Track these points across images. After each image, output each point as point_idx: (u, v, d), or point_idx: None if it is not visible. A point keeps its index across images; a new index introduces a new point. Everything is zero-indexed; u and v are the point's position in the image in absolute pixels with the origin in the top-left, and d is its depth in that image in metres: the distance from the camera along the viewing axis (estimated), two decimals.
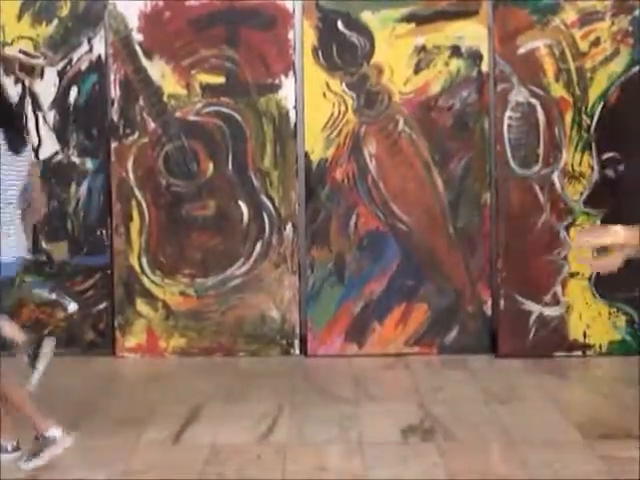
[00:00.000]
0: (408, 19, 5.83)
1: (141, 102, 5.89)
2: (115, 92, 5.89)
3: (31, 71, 5.90)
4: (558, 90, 5.77)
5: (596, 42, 5.76)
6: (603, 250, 3.65)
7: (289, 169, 5.89)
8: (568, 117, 5.76)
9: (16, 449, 4.17)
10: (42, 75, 5.91)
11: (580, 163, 5.76)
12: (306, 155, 5.86)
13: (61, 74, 5.91)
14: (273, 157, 5.89)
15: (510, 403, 4.91)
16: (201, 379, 5.45)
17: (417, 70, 5.84)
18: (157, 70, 5.88)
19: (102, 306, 5.94)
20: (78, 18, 5.88)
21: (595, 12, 5.75)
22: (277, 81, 5.88)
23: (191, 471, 4.00)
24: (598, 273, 5.71)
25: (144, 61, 5.87)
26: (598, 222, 5.76)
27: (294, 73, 5.88)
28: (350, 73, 5.85)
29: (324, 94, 5.85)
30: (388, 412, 4.78)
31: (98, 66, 5.90)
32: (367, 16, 5.82)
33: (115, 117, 5.90)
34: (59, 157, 5.93)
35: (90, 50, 5.89)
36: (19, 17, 5.89)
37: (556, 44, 5.76)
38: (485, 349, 5.84)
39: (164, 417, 4.71)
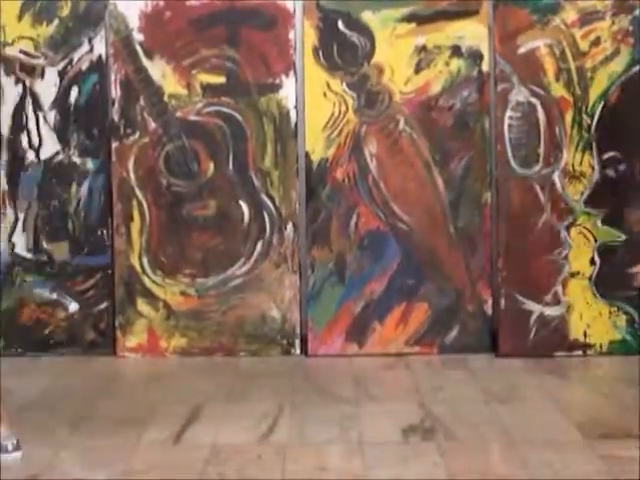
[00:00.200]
0: (409, 19, 5.83)
1: (142, 102, 5.89)
2: (116, 92, 5.89)
3: (32, 71, 5.90)
4: (558, 90, 5.77)
5: (596, 42, 5.76)
6: None
7: (290, 169, 5.90)
8: (568, 117, 5.76)
9: (17, 448, 4.17)
10: (43, 75, 5.91)
11: (581, 163, 5.77)
12: (307, 155, 5.86)
13: (62, 74, 5.91)
14: (274, 157, 5.90)
15: (510, 403, 4.92)
16: (202, 379, 5.45)
17: (417, 70, 5.84)
18: (158, 70, 5.88)
19: (103, 306, 5.94)
20: (79, 18, 5.89)
21: (595, 12, 5.75)
22: (278, 81, 5.88)
23: (191, 471, 4.00)
24: (599, 273, 5.74)
25: (145, 61, 5.87)
26: (599, 222, 5.76)
27: (295, 73, 5.88)
28: (351, 73, 5.86)
29: (325, 94, 5.85)
30: (389, 412, 4.78)
31: (99, 66, 5.90)
32: (368, 16, 5.83)
33: (116, 117, 5.90)
34: (60, 157, 5.93)
35: (91, 50, 5.90)
36: (19, 17, 5.89)
37: (556, 44, 5.76)
38: (485, 349, 5.84)
39: (165, 417, 4.71)
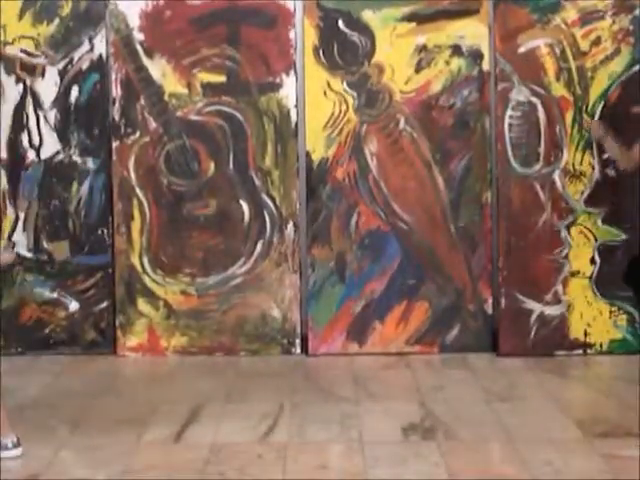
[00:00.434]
0: (409, 18, 5.83)
1: (142, 101, 5.89)
2: (116, 91, 5.89)
3: (32, 70, 5.90)
4: (559, 89, 5.77)
5: (597, 41, 5.76)
6: None
7: (290, 168, 5.90)
8: (569, 116, 5.77)
9: (17, 446, 4.17)
10: (43, 74, 5.91)
11: (581, 162, 5.77)
12: (307, 154, 5.86)
13: (62, 73, 5.91)
14: (274, 156, 5.90)
15: (511, 402, 4.92)
16: (202, 378, 5.45)
17: (418, 69, 5.84)
18: (158, 69, 5.88)
19: (103, 305, 5.94)
20: (79, 17, 5.88)
21: (596, 11, 5.75)
22: (278, 80, 5.88)
23: (192, 470, 4.01)
24: (599, 272, 5.74)
25: (145, 60, 5.87)
26: (599, 222, 5.76)
27: (295, 72, 5.88)
28: (351, 72, 5.86)
29: (325, 93, 5.85)
30: (389, 411, 4.79)
31: (99, 65, 5.90)
32: (368, 15, 5.83)
33: (116, 116, 5.90)
34: (60, 156, 5.93)
35: (91, 49, 5.90)
36: (20, 16, 5.89)
37: (557, 43, 5.76)
38: (486, 348, 5.84)
39: (165, 416, 4.72)
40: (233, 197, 5.90)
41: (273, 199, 5.89)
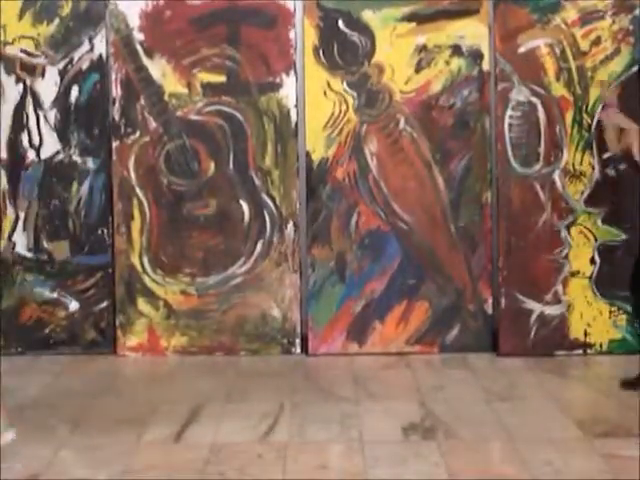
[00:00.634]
0: (409, 18, 5.83)
1: (142, 101, 5.89)
2: (116, 91, 5.89)
3: (32, 70, 5.90)
4: (559, 89, 5.77)
5: (597, 41, 5.76)
6: None
7: (290, 168, 5.90)
8: (569, 116, 5.76)
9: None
10: (43, 74, 5.91)
11: (581, 162, 5.77)
12: (307, 154, 5.86)
13: (62, 73, 5.91)
14: (274, 156, 5.90)
15: (511, 401, 4.92)
16: (202, 378, 5.45)
17: (418, 69, 5.84)
18: (158, 69, 5.88)
19: (103, 305, 5.94)
20: (79, 17, 5.88)
21: (596, 11, 5.75)
22: (278, 80, 5.88)
23: (192, 470, 4.01)
24: (599, 272, 5.74)
25: (145, 60, 5.87)
26: (599, 222, 5.76)
27: (295, 72, 5.88)
28: (351, 72, 5.86)
29: (325, 93, 5.85)
30: (389, 411, 4.79)
31: (99, 65, 5.90)
32: (368, 15, 5.83)
33: (116, 116, 5.90)
34: (60, 156, 5.93)
35: (91, 49, 5.89)
36: (20, 16, 5.89)
37: (557, 43, 5.76)
38: (486, 348, 5.84)
39: (165, 416, 4.72)
40: (233, 197, 5.90)
41: (273, 199, 5.89)
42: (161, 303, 5.92)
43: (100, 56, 5.90)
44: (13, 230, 5.92)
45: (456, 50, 5.82)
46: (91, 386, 5.31)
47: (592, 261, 5.77)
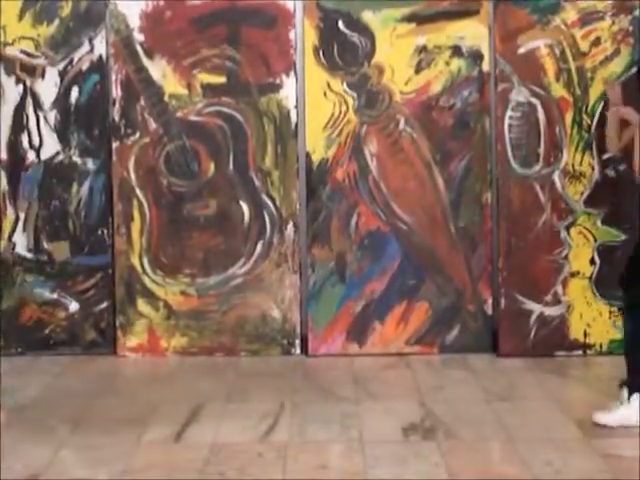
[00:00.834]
0: (409, 19, 5.83)
1: (142, 102, 5.90)
2: (116, 92, 5.89)
3: (32, 71, 5.90)
4: (558, 90, 5.77)
5: (596, 42, 5.76)
6: None
7: (290, 169, 5.90)
8: (568, 117, 5.77)
9: None
10: (43, 75, 5.91)
11: (581, 163, 5.77)
12: (307, 155, 5.86)
13: (62, 74, 5.92)
14: (274, 157, 5.90)
15: (511, 402, 4.93)
16: (202, 378, 5.45)
17: (418, 70, 5.85)
18: (158, 70, 5.88)
19: (103, 306, 5.94)
20: (79, 18, 5.89)
21: (596, 12, 5.75)
22: (278, 81, 5.88)
23: (192, 470, 4.01)
24: (599, 273, 5.74)
25: (145, 61, 5.88)
26: (599, 222, 5.77)
27: (295, 73, 5.88)
28: (351, 73, 5.86)
29: (325, 94, 5.85)
30: (389, 411, 4.79)
31: (99, 66, 5.90)
32: (368, 16, 5.83)
33: (116, 117, 5.90)
34: (60, 157, 5.93)
35: (91, 50, 5.90)
36: (20, 17, 5.89)
37: (556, 44, 5.77)
38: (486, 348, 5.84)
39: (165, 416, 4.72)
40: (233, 198, 5.91)
41: (273, 200, 5.90)
42: (161, 304, 5.92)
43: (100, 57, 5.90)
44: (13, 231, 5.93)
45: (456, 51, 5.82)
46: (91, 386, 5.32)
47: (592, 262, 5.78)
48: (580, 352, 5.77)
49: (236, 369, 5.64)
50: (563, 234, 5.78)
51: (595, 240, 5.77)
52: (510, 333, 5.80)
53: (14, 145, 5.92)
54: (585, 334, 5.78)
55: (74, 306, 5.92)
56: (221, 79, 5.90)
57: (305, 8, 5.86)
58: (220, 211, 5.92)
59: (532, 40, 5.78)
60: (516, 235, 5.79)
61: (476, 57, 5.82)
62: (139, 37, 5.88)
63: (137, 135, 5.89)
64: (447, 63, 5.83)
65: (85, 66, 5.91)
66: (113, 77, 5.89)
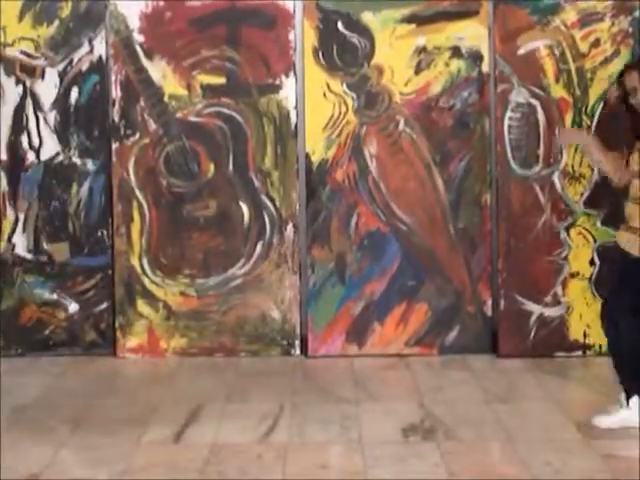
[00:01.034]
0: (409, 20, 5.83)
1: (142, 103, 5.90)
2: (116, 93, 5.89)
3: (32, 72, 5.90)
4: (558, 91, 5.77)
5: (596, 43, 5.76)
6: None
7: (290, 169, 5.90)
8: (568, 118, 5.77)
9: None
10: (43, 76, 5.91)
11: (580, 164, 5.77)
12: (307, 155, 5.86)
13: (62, 75, 5.91)
14: (274, 158, 5.90)
15: (511, 403, 4.93)
16: (202, 379, 5.45)
17: (418, 71, 5.85)
18: (158, 71, 5.88)
19: (103, 306, 5.94)
20: (79, 19, 5.89)
21: (595, 13, 5.76)
22: (278, 82, 5.88)
23: (192, 470, 4.02)
24: (598, 273, 5.74)
25: (145, 62, 5.88)
26: (598, 223, 5.77)
27: (295, 74, 5.88)
28: (351, 74, 5.86)
29: (324, 94, 5.85)
30: (389, 412, 4.79)
31: (99, 67, 5.90)
32: (368, 17, 5.83)
33: (116, 118, 5.90)
34: (60, 158, 5.93)
35: (91, 51, 5.90)
36: (20, 18, 5.89)
37: (556, 45, 5.77)
38: (486, 349, 5.84)
39: (165, 417, 4.72)
40: (233, 198, 5.91)
41: (273, 200, 5.90)
42: (161, 304, 5.92)
43: (100, 57, 5.90)
44: (13, 231, 5.93)
45: (456, 51, 5.82)
46: (91, 387, 5.32)
47: (591, 262, 5.78)
48: (580, 353, 5.78)
49: (236, 370, 5.64)
50: (563, 235, 5.78)
51: (595, 241, 5.77)
52: (510, 334, 5.80)
53: (14, 146, 5.92)
54: (585, 335, 5.78)
55: (74, 307, 5.92)
56: (221, 80, 5.90)
57: (305, 9, 5.86)
58: (220, 212, 5.92)
59: (532, 41, 5.78)
60: (516, 236, 5.79)
61: (476, 58, 5.82)
62: (139, 38, 5.88)
63: (137, 136, 5.90)
64: (447, 64, 5.83)
65: (85, 67, 5.91)
66: (113, 78, 5.89)
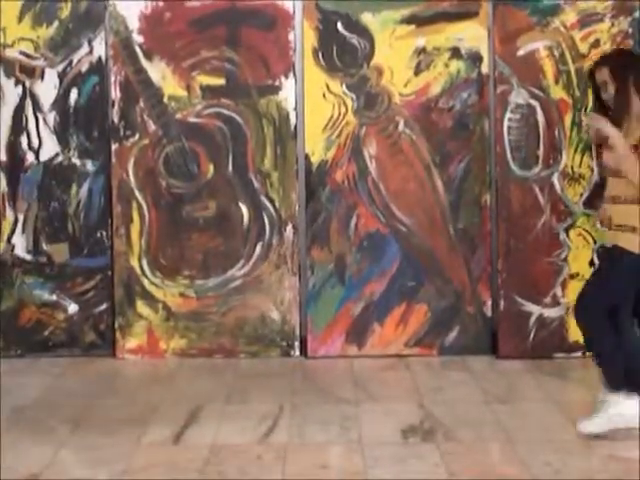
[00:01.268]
0: (408, 21, 5.84)
1: (141, 104, 5.90)
2: (115, 94, 5.89)
3: (31, 73, 5.90)
4: (558, 92, 5.77)
5: (596, 44, 5.76)
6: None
7: (289, 170, 5.90)
8: (568, 119, 5.77)
9: None
10: (42, 77, 5.91)
11: (580, 164, 5.77)
12: (306, 156, 5.86)
13: (61, 76, 5.91)
14: (273, 158, 5.90)
15: (510, 403, 4.93)
16: (201, 380, 5.45)
17: (417, 71, 5.85)
18: (157, 71, 5.88)
19: (102, 307, 5.94)
20: (79, 19, 5.89)
21: (595, 14, 5.76)
22: (277, 82, 5.88)
23: (192, 471, 4.01)
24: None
25: (144, 62, 5.88)
26: (598, 224, 5.75)
27: (294, 74, 5.88)
28: (350, 74, 5.86)
29: (324, 95, 5.85)
30: (388, 412, 4.79)
31: (98, 68, 5.90)
32: (367, 18, 5.83)
33: (115, 119, 5.90)
34: (59, 158, 5.93)
35: (90, 52, 5.90)
36: (19, 19, 5.89)
37: (556, 46, 5.77)
38: (485, 350, 5.84)
39: (165, 417, 4.72)
40: (232, 199, 5.91)
41: (272, 201, 5.90)
42: (160, 305, 5.92)
43: (99, 58, 5.90)
44: (12, 232, 5.92)
45: (455, 52, 5.82)
46: (91, 388, 5.32)
47: (591, 263, 5.77)
48: (579, 354, 5.77)
49: (235, 370, 5.64)
50: (562, 236, 5.78)
51: (594, 242, 5.77)
52: (509, 335, 5.80)
53: (13, 146, 5.92)
54: None
55: (73, 308, 5.92)
56: (220, 81, 5.90)
57: (304, 10, 5.86)
58: (219, 213, 5.91)
59: (531, 42, 5.78)
60: (515, 237, 5.79)
61: (475, 59, 5.83)
62: (138, 38, 5.88)
63: (136, 137, 5.90)
64: (446, 65, 5.84)
65: (84, 68, 5.91)
66: (112, 79, 5.89)
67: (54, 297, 5.93)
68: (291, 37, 5.87)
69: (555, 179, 5.79)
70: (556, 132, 5.77)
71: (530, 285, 5.80)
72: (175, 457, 4.20)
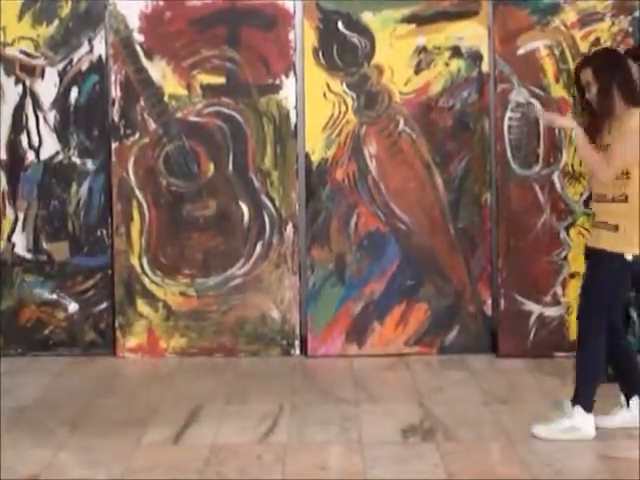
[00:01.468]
0: (409, 20, 5.84)
1: (142, 102, 5.89)
2: (116, 92, 5.89)
3: (32, 71, 5.90)
4: (558, 90, 5.77)
5: (596, 43, 5.76)
6: None
7: (289, 169, 5.90)
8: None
9: None
10: (43, 75, 5.91)
11: (580, 163, 5.76)
12: (306, 155, 5.86)
13: (62, 74, 5.92)
14: (274, 157, 5.90)
15: (510, 403, 4.92)
16: (201, 379, 5.45)
17: (417, 70, 5.85)
18: (158, 70, 5.88)
19: (103, 306, 5.94)
20: (79, 18, 5.89)
21: (595, 13, 5.76)
22: (278, 81, 5.88)
23: (192, 471, 4.01)
24: None
25: (145, 61, 5.88)
26: None
27: (295, 73, 5.88)
28: (350, 73, 5.86)
29: (324, 94, 5.85)
30: (388, 412, 4.79)
31: (99, 66, 5.90)
32: (368, 17, 5.83)
33: (116, 117, 5.90)
34: (60, 157, 5.93)
35: (91, 50, 5.90)
36: (20, 17, 5.89)
37: (556, 45, 5.77)
38: (485, 349, 5.84)
39: (165, 417, 4.72)
40: (233, 198, 5.91)
41: (272, 200, 5.90)
42: (160, 304, 5.92)
43: (100, 57, 5.90)
44: (12, 231, 5.93)
45: (456, 51, 5.82)
46: (91, 387, 5.32)
47: None
48: None
49: (235, 370, 5.64)
50: (562, 235, 5.78)
51: None
52: (509, 334, 5.80)
53: (13, 145, 5.93)
54: None
55: (73, 307, 5.92)
56: (221, 80, 5.90)
57: (305, 9, 5.86)
58: (219, 212, 5.91)
59: (532, 41, 5.78)
60: (515, 236, 5.79)
61: (475, 58, 5.82)
62: (139, 38, 5.88)
63: (136, 135, 5.89)
64: (447, 64, 5.84)
65: (84, 66, 5.91)
66: (112, 77, 5.89)
67: (54, 296, 5.93)
68: (291, 36, 5.87)
69: (555, 178, 5.79)
70: (556, 131, 5.76)
71: (530, 284, 5.80)
72: (175, 457, 4.20)
